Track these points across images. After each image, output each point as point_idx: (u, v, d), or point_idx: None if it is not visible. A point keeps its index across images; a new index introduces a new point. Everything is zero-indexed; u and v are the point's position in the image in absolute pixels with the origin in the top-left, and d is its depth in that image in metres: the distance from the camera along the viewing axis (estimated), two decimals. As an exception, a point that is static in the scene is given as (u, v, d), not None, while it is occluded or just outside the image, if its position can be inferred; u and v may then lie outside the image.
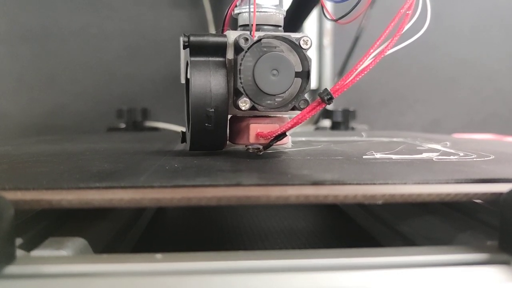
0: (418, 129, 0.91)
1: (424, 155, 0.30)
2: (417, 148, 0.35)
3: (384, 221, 0.29)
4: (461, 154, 0.30)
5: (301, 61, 0.28)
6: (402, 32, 0.24)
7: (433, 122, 0.93)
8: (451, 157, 0.29)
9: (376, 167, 0.25)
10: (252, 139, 0.28)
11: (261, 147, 0.29)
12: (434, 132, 0.82)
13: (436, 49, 0.90)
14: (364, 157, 0.29)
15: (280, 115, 0.29)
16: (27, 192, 0.18)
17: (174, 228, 0.35)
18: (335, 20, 0.29)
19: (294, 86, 0.28)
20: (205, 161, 0.27)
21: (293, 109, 0.28)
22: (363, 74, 0.25)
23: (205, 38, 0.27)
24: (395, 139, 0.44)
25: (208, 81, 0.26)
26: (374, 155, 0.29)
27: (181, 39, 0.27)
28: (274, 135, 0.27)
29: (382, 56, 0.24)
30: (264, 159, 0.28)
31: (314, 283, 0.16)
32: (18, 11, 0.82)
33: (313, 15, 0.80)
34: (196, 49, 0.27)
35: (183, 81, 0.32)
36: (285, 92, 0.27)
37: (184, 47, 0.27)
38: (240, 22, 0.30)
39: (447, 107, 0.93)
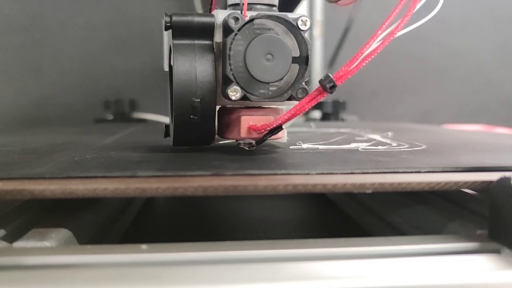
0: (408, 120, 0.91)
1: (353, 145, 0.30)
2: (355, 138, 0.35)
3: (374, 212, 0.29)
4: (394, 144, 0.31)
5: (298, 44, 0.24)
6: (415, 11, 0.22)
7: (423, 113, 0.93)
8: (379, 147, 0.29)
9: (291, 157, 0.25)
10: (243, 133, 0.25)
11: (253, 142, 0.26)
12: (424, 123, 0.82)
13: (426, 40, 0.90)
14: (290, 147, 0.29)
15: (275, 106, 0.26)
16: (9, 182, 0.18)
17: (164, 219, 0.35)
18: (335, 1, 0.27)
19: (291, 73, 0.24)
20: (123, 153, 0.26)
21: (290, 99, 0.25)
22: (369, 59, 0.22)
23: (190, 18, 0.24)
24: (342, 130, 0.44)
25: (193, 67, 0.24)
26: (301, 145, 0.29)
27: (163, 20, 0.24)
28: (269, 128, 0.24)
29: (392, 38, 0.22)
30: (180, 150, 0.27)
31: (304, 273, 0.16)
32: (3, 1, 0.80)
33: (303, 6, 0.79)
34: (179, 31, 0.24)
35: (166, 68, 0.28)
36: (280, 79, 0.24)
37: (166, 28, 0.24)
38: (230, 1, 0.26)
39: (437, 98, 0.94)
